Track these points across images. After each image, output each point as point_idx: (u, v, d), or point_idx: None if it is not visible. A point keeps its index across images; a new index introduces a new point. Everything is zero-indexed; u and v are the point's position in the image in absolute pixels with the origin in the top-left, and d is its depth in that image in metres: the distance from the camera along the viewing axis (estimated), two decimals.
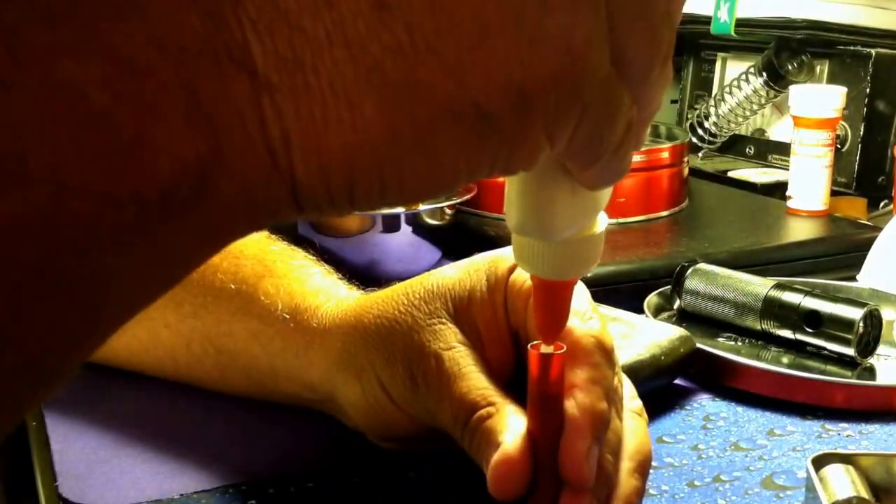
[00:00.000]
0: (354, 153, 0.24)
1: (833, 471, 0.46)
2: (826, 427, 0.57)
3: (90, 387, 0.58)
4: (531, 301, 0.42)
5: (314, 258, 0.57)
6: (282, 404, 0.55)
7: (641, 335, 0.60)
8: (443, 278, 0.48)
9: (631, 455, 0.43)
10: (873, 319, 0.65)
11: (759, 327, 0.68)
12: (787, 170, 1.01)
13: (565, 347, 0.40)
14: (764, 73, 1.17)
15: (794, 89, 1.00)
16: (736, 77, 1.22)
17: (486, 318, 0.46)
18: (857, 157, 1.11)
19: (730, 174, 1.18)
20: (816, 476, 0.45)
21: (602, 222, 0.36)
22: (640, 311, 0.69)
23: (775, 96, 1.18)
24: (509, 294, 0.46)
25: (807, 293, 0.67)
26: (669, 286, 0.73)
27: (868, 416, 0.58)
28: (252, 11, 0.23)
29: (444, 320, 0.46)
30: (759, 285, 0.69)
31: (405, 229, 0.83)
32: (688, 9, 1.21)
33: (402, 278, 0.50)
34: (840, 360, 0.65)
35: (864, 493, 0.45)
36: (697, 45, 1.33)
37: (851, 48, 1.12)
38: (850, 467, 0.46)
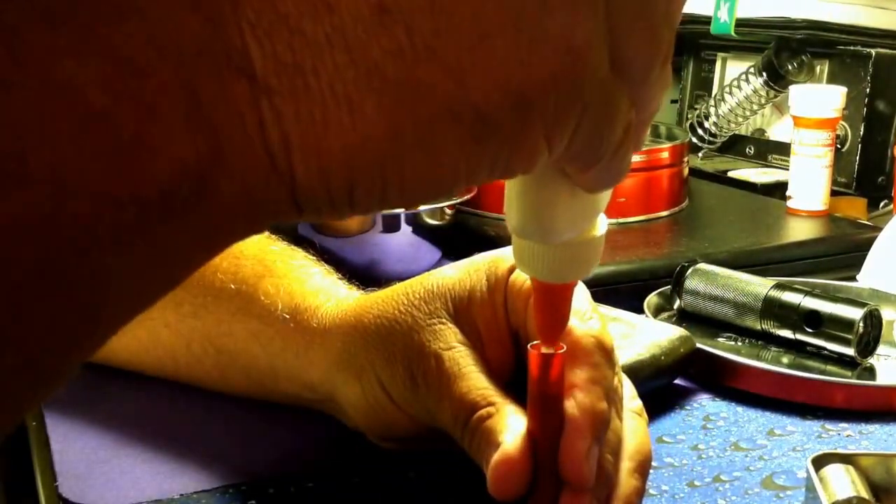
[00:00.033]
0: (354, 155, 0.24)
1: (833, 471, 0.46)
2: (826, 427, 0.57)
3: (90, 387, 0.58)
4: (531, 302, 0.42)
5: (314, 258, 0.57)
6: (282, 404, 0.55)
7: (641, 335, 0.60)
8: (443, 278, 0.48)
9: (631, 455, 0.43)
10: (873, 319, 0.65)
11: (759, 327, 0.68)
12: (787, 170, 1.01)
13: (565, 347, 0.40)
14: (764, 73, 1.17)
15: (794, 89, 1.00)
16: (736, 77, 1.22)
17: (486, 318, 0.46)
18: (857, 157, 1.11)
19: (730, 174, 1.18)
20: (816, 476, 0.45)
21: (602, 225, 0.36)
22: (640, 311, 0.69)
23: (775, 96, 1.18)
24: (509, 294, 0.46)
25: (807, 293, 0.67)
26: (669, 286, 0.73)
27: (868, 416, 0.58)
28: (251, 15, 0.23)
29: (444, 320, 0.46)
30: (759, 285, 0.69)
31: (405, 229, 0.83)
32: (688, 9, 1.21)
33: (402, 278, 0.50)
34: (840, 360, 0.65)
35: (864, 493, 0.45)
36: (697, 45, 1.33)
37: (851, 48, 1.12)
38: (850, 467, 0.46)
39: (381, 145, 0.25)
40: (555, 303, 0.39)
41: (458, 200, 0.82)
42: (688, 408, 0.60)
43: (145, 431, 0.54)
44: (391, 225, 0.80)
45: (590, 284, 0.46)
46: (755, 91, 1.18)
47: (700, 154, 1.25)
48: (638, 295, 0.73)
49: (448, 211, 0.83)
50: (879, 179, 1.11)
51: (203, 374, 0.57)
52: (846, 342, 0.64)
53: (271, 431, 0.54)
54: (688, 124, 1.26)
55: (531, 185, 0.33)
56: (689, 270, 0.72)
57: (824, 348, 0.66)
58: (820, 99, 0.97)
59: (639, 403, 0.46)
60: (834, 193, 1.02)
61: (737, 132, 1.25)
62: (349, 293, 0.53)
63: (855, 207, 1.07)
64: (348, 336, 0.49)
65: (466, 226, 0.88)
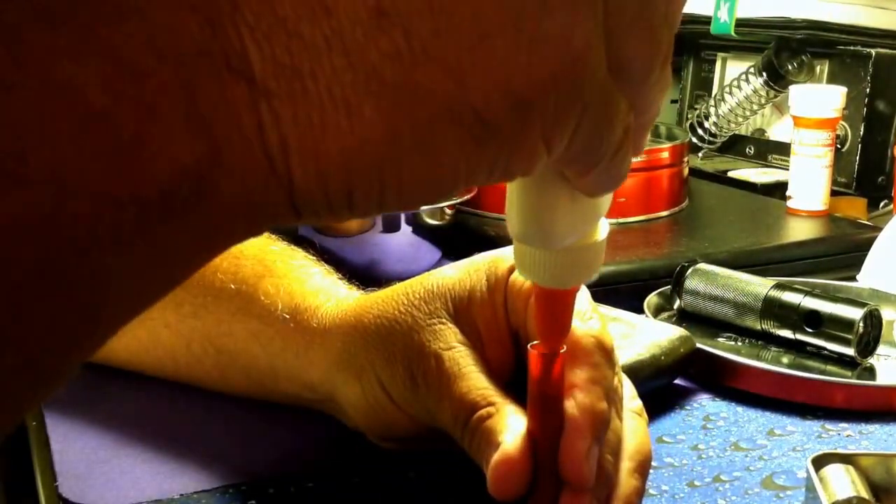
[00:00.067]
0: (353, 158, 0.24)
1: (833, 471, 0.46)
2: (826, 427, 0.57)
3: (90, 387, 0.58)
4: (531, 304, 0.42)
5: (314, 258, 0.57)
6: (282, 404, 0.55)
7: (641, 335, 0.60)
8: (443, 278, 0.48)
9: (631, 455, 0.43)
10: (873, 319, 0.65)
11: (759, 327, 0.68)
12: (787, 170, 1.01)
13: (565, 347, 0.40)
14: (764, 73, 1.17)
15: (794, 89, 1.00)
16: (736, 77, 1.22)
17: (486, 318, 0.46)
18: (857, 157, 1.11)
19: (730, 174, 1.18)
20: (816, 476, 0.45)
21: (603, 230, 0.36)
22: (640, 311, 0.69)
23: (775, 96, 1.18)
24: (509, 294, 0.46)
25: (807, 293, 0.67)
26: (669, 286, 0.73)
27: (868, 416, 0.58)
28: (250, 18, 0.23)
29: (444, 320, 0.46)
30: (759, 285, 0.69)
31: (405, 229, 0.83)
32: (688, 9, 1.21)
33: (402, 278, 0.50)
34: (840, 360, 0.65)
35: (864, 493, 0.45)
36: (697, 45, 1.33)
37: (851, 48, 1.12)
38: (850, 467, 0.46)
39: (379, 148, 0.25)
40: (556, 308, 0.39)
41: (458, 200, 0.82)
42: (688, 408, 0.60)
43: (145, 431, 0.54)
44: (391, 225, 0.80)
45: (590, 284, 0.46)
46: (755, 91, 1.18)
47: (700, 154, 1.25)
48: (638, 295, 0.73)
49: (448, 211, 0.83)
50: (879, 179, 1.11)
51: (203, 374, 0.57)
52: (846, 342, 0.64)
53: (271, 431, 0.54)
54: (688, 124, 1.26)
55: (532, 191, 0.33)
56: (689, 270, 0.72)
57: (824, 348, 0.66)
58: (820, 99, 0.97)
59: (639, 403, 0.46)
60: (834, 193, 1.02)
61: (737, 132, 1.25)
62: (349, 293, 0.53)
63: (855, 207, 1.07)
64: (348, 336, 0.49)
65: (466, 226, 0.88)
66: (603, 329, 0.44)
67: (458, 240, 0.84)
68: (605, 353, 0.43)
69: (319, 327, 0.51)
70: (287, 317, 0.52)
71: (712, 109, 1.24)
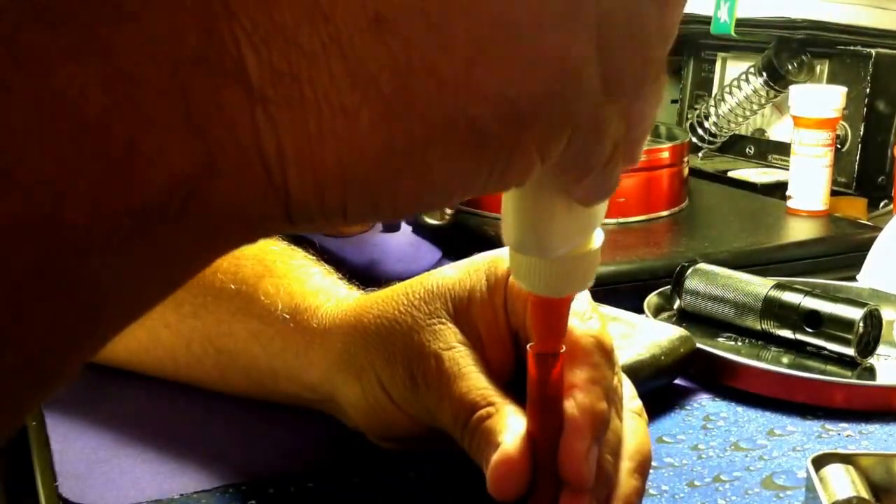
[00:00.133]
0: (349, 167, 0.24)
1: (833, 471, 0.46)
2: (826, 427, 0.57)
3: (90, 387, 0.58)
4: (528, 314, 0.42)
5: (314, 258, 0.57)
6: (282, 404, 0.55)
7: (641, 335, 0.60)
8: (443, 278, 0.48)
9: (631, 455, 0.43)
10: (873, 319, 0.65)
11: (759, 327, 0.68)
12: (787, 170, 1.01)
13: (564, 348, 0.40)
14: (764, 73, 1.17)
15: (794, 89, 1.00)
16: (736, 77, 1.22)
17: (486, 319, 0.46)
18: (857, 157, 1.11)
19: (730, 174, 1.18)
20: (816, 476, 0.45)
21: (598, 239, 0.36)
22: (640, 311, 0.69)
23: (775, 96, 1.18)
24: (509, 294, 0.46)
25: (807, 293, 0.67)
26: (669, 286, 0.73)
27: (868, 416, 0.58)
28: (247, 24, 0.23)
29: (443, 320, 0.46)
30: (759, 285, 0.69)
31: (405, 229, 0.84)
32: (688, 9, 1.21)
33: (402, 278, 0.50)
34: (840, 360, 0.65)
35: (864, 493, 0.45)
36: (697, 45, 1.33)
37: (851, 48, 1.12)
38: (850, 467, 0.46)
39: (375, 157, 0.25)
40: (551, 315, 0.39)
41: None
42: (688, 408, 0.60)
43: (145, 431, 0.54)
44: (391, 225, 0.80)
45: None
46: (755, 91, 1.18)
47: (700, 154, 1.25)
48: (638, 295, 0.73)
49: (448, 211, 0.83)
50: (879, 179, 1.11)
51: (203, 375, 0.57)
52: (846, 342, 0.64)
53: (271, 431, 0.54)
54: (688, 124, 1.26)
55: (527, 200, 0.33)
56: (689, 270, 0.72)
57: (824, 348, 0.66)
58: (820, 99, 0.97)
59: (639, 403, 0.46)
60: (834, 193, 1.02)
61: (737, 132, 1.25)
62: (349, 293, 0.53)
63: (855, 207, 1.07)
64: (348, 336, 0.49)
65: (466, 226, 0.87)
66: (603, 329, 0.44)
67: (458, 240, 0.84)
68: (605, 353, 0.43)
69: (319, 327, 0.51)
70: (287, 317, 0.52)
71: (712, 109, 1.24)
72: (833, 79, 1.14)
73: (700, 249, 0.84)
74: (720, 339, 0.69)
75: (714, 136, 1.25)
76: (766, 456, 0.53)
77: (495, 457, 0.41)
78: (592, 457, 0.40)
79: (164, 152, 0.22)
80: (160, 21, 0.22)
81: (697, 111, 1.27)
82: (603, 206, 0.35)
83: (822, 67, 1.16)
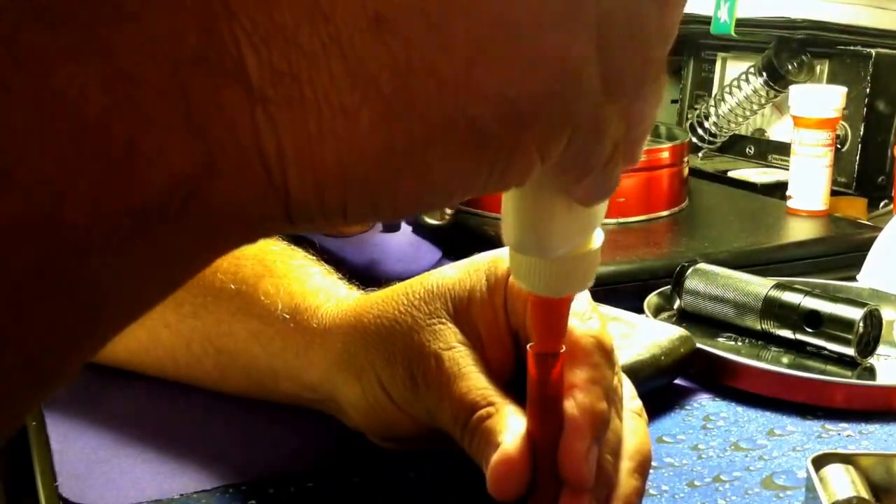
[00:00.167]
0: (349, 167, 0.24)
1: (833, 471, 0.46)
2: (826, 427, 0.57)
3: (90, 387, 0.58)
4: (528, 314, 0.42)
5: (314, 258, 0.57)
6: (282, 404, 0.55)
7: (641, 335, 0.60)
8: (443, 278, 0.48)
9: (631, 455, 0.43)
10: (873, 319, 0.65)
11: (759, 327, 0.68)
12: (787, 170, 1.01)
13: (564, 348, 0.40)
14: (764, 73, 1.17)
15: (794, 89, 1.00)
16: (736, 77, 1.22)
17: (486, 319, 0.46)
18: (857, 157, 1.11)
19: (730, 174, 1.18)
20: (816, 476, 0.45)
21: (598, 239, 0.36)
22: (640, 311, 0.69)
23: (775, 96, 1.18)
24: (509, 294, 0.46)
25: (807, 293, 0.67)
26: (669, 286, 0.73)
27: (868, 416, 0.58)
28: (247, 24, 0.23)
29: (444, 320, 0.46)
30: (759, 285, 0.69)
31: (405, 229, 0.84)
32: (688, 9, 1.21)
33: (402, 278, 0.50)
34: (840, 360, 0.65)
35: (864, 493, 0.45)
36: (697, 45, 1.33)
37: (851, 48, 1.12)
38: (850, 467, 0.46)
39: (375, 158, 0.25)
40: (551, 315, 0.39)
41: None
42: (688, 408, 0.60)
43: (145, 431, 0.54)
44: (391, 225, 0.80)
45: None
46: (755, 91, 1.18)
47: (700, 154, 1.25)
48: (638, 295, 0.73)
49: (448, 211, 0.83)
50: (879, 179, 1.11)
51: (203, 374, 0.57)
52: (846, 342, 0.64)
53: (271, 431, 0.54)
54: (688, 124, 1.26)
55: (527, 200, 0.33)
56: (689, 270, 0.72)
57: (824, 348, 0.66)
58: (820, 99, 0.97)
59: (639, 403, 0.46)
60: (834, 193, 1.02)
61: (737, 132, 1.25)
62: (349, 293, 0.53)
63: (855, 207, 1.07)
64: (348, 336, 0.49)
65: (466, 226, 0.87)
66: (602, 329, 0.44)
67: (458, 240, 0.84)
68: (605, 353, 0.43)
69: (319, 327, 0.51)
70: (287, 317, 0.52)
71: (712, 109, 1.24)
72: (833, 79, 1.14)
73: (700, 249, 0.84)
74: (720, 339, 0.69)
75: (714, 136, 1.25)
76: (766, 456, 0.53)
77: (495, 457, 0.41)
78: (592, 457, 0.40)
79: (164, 152, 0.22)
80: (160, 21, 0.22)
81: (697, 111, 1.27)
82: (603, 206, 0.35)
83: (822, 67, 1.16)
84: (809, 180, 0.97)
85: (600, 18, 0.26)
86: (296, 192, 0.24)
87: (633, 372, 0.53)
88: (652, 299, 0.73)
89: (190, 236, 0.24)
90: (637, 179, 0.93)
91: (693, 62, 1.35)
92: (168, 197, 0.22)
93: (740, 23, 1.19)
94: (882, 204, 1.09)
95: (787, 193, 0.99)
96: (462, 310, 0.47)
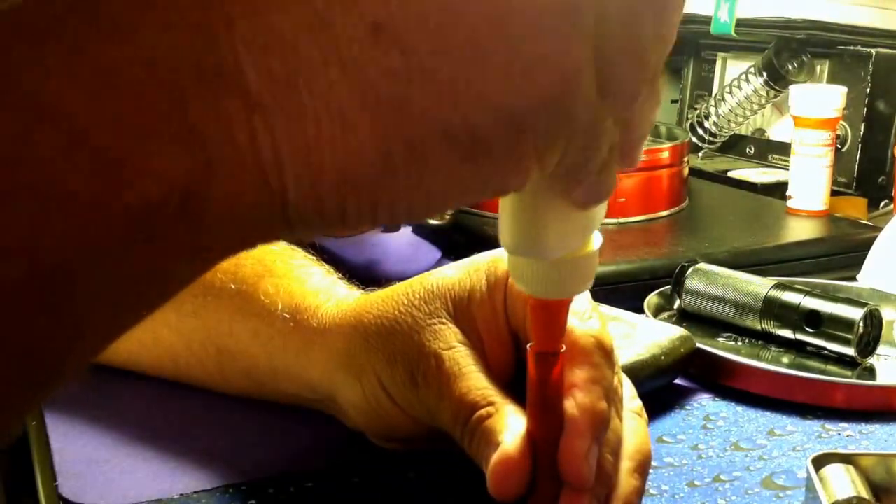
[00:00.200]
0: (347, 174, 0.24)
1: (833, 471, 0.46)
2: (826, 427, 0.57)
3: (90, 387, 0.57)
4: (528, 316, 0.42)
5: (314, 258, 0.57)
6: (282, 404, 0.55)
7: (641, 335, 0.60)
8: (443, 278, 0.48)
9: (631, 455, 0.43)
10: (873, 319, 0.65)
11: (759, 327, 0.68)
12: (787, 170, 1.01)
13: (564, 347, 0.40)
14: (764, 73, 1.17)
15: (794, 89, 1.00)
16: (736, 77, 1.22)
17: (486, 319, 0.46)
18: (857, 157, 1.11)
19: (730, 174, 1.18)
20: (816, 476, 0.45)
21: (596, 241, 0.36)
22: (640, 311, 0.69)
23: (775, 96, 1.18)
24: (509, 295, 0.46)
25: (807, 293, 0.67)
26: (669, 286, 0.73)
27: (868, 416, 0.58)
28: (245, 32, 0.23)
29: (444, 320, 0.46)
30: (759, 285, 0.69)
31: (405, 229, 0.84)
32: (688, 9, 1.21)
33: (402, 278, 0.50)
34: (840, 360, 0.65)
35: (864, 493, 0.45)
36: (697, 45, 1.33)
37: (851, 48, 1.12)
38: (850, 467, 0.46)
39: (374, 164, 0.25)
40: (551, 317, 0.39)
41: None
42: (688, 408, 0.60)
43: (145, 431, 0.54)
44: (391, 225, 0.80)
45: None
46: (755, 91, 1.18)
47: (700, 154, 1.25)
48: (638, 295, 0.73)
49: (448, 211, 0.83)
50: (879, 179, 1.11)
51: (203, 374, 0.57)
52: (846, 342, 0.64)
53: (271, 431, 0.54)
54: (688, 124, 1.26)
55: (524, 203, 0.33)
56: (689, 270, 0.72)
57: (824, 348, 0.66)
58: (820, 99, 0.97)
59: (639, 403, 0.46)
60: (834, 193, 1.02)
61: (737, 132, 1.25)
62: (349, 293, 0.53)
63: (855, 207, 1.07)
64: (348, 336, 0.49)
65: (466, 226, 0.87)
66: (602, 329, 0.44)
67: (458, 240, 0.84)
68: (605, 352, 0.43)
69: (319, 327, 0.51)
70: (287, 316, 0.52)
71: (712, 109, 1.24)
72: (833, 79, 1.14)
73: (700, 249, 0.84)
74: (720, 339, 0.69)
75: (714, 136, 1.25)
76: (766, 456, 0.53)
77: (495, 457, 0.41)
78: (592, 457, 0.40)
79: (156, 161, 0.22)
80: (157, 30, 0.22)
81: (697, 111, 1.27)
82: (601, 209, 0.35)
83: (822, 67, 1.16)
84: (809, 180, 0.97)
85: (597, 26, 0.26)
86: (294, 198, 0.24)
87: (633, 372, 0.53)
88: (652, 299, 0.73)
89: (185, 243, 0.24)
90: (637, 179, 0.93)
91: (693, 62, 1.35)
92: (163, 205, 0.22)
93: (740, 23, 1.19)
94: (882, 204, 1.09)
95: (788, 193, 0.99)
96: (462, 310, 0.47)
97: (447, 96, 0.25)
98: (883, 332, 0.66)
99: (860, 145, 1.11)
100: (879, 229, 0.84)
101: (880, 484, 0.46)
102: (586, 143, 0.28)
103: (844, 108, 1.00)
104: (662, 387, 0.60)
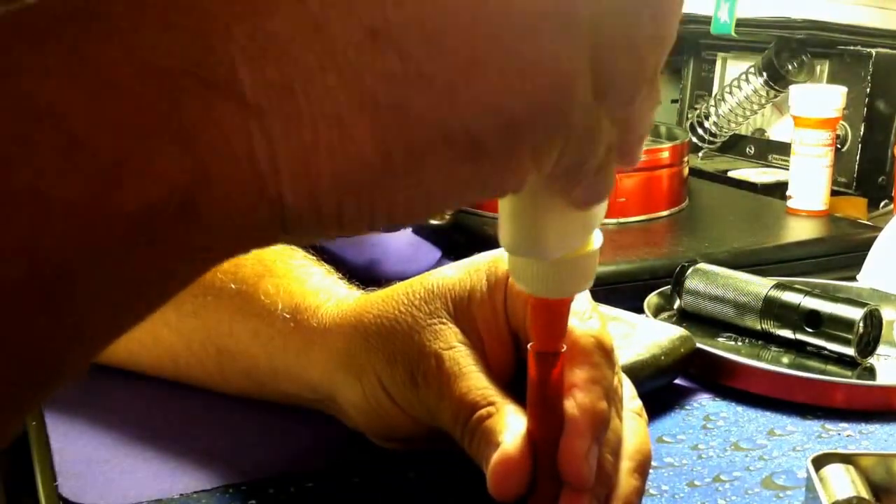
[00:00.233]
0: (344, 178, 0.24)
1: (833, 471, 0.46)
2: (826, 427, 0.57)
3: (90, 387, 0.57)
4: (528, 315, 0.42)
5: (314, 258, 0.57)
6: (282, 404, 0.55)
7: (641, 335, 0.60)
8: (443, 278, 0.48)
9: (631, 455, 0.43)
10: (873, 319, 0.65)
11: (759, 327, 0.68)
12: (787, 170, 1.01)
13: (565, 347, 0.40)
14: (764, 73, 1.17)
15: (794, 89, 1.00)
16: (736, 77, 1.22)
17: (486, 318, 0.46)
18: (857, 157, 1.11)
19: (730, 174, 1.18)
20: (816, 476, 0.45)
21: (597, 240, 0.36)
22: (640, 311, 0.69)
23: (775, 96, 1.18)
24: (509, 295, 0.46)
25: (807, 293, 0.67)
26: (669, 286, 0.73)
27: (868, 416, 0.58)
28: (241, 37, 0.23)
29: (444, 320, 0.46)
30: (759, 285, 0.69)
31: (405, 229, 0.83)
32: (688, 9, 1.22)
33: (402, 278, 0.50)
34: (840, 360, 0.65)
35: (864, 493, 0.45)
36: (697, 45, 1.33)
37: (851, 48, 1.12)
38: (850, 467, 0.46)
39: (371, 169, 0.25)
40: (551, 317, 0.39)
41: None
42: (688, 408, 0.60)
43: (145, 431, 0.54)
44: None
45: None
46: (755, 91, 1.18)
47: (700, 154, 1.25)
48: (638, 295, 0.73)
49: (446, 212, 0.83)
50: (879, 179, 1.11)
51: (203, 374, 0.57)
52: (846, 342, 0.64)
53: (271, 431, 0.54)
54: (688, 124, 1.26)
55: (523, 204, 0.33)
56: (689, 270, 0.72)
57: (824, 348, 0.66)
58: (820, 99, 0.97)
59: (639, 403, 0.46)
60: (834, 193, 1.02)
61: (737, 132, 1.25)
62: (349, 293, 0.53)
63: (855, 207, 1.07)
64: (349, 336, 0.49)
65: (466, 226, 0.87)
66: (602, 329, 0.44)
67: (458, 240, 0.84)
68: (605, 352, 0.43)
69: (320, 327, 0.51)
70: (287, 316, 0.52)
71: (712, 109, 1.24)
72: (833, 79, 1.14)
73: (700, 249, 0.84)
74: (720, 339, 0.69)
75: (714, 136, 1.25)
76: (766, 456, 0.53)
77: (495, 457, 0.41)
78: (592, 456, 0.40)
79: (153, 165, 0.22)
80: (152, 35, 0.22)
81: (697, 111, 1.27)
82: (601, 208, 0.35)
83: (822, 67, 1.16)
84: (809, 180, 0.97)
85: (593, 27, 0.26)
86: (290, 202, 0.24)
87: (633, 372, 0.53)
88: (652, 299, 0.73)
89: (181, 247, 0.24)
90: (637, 179, 0.93)
91: (693, 62, 1.35)
92: (164, 207, 0.22)
93: (740, 23, 1.19)
94: (882, 204, 1.09)
95: (788, 193, 0.99)
96: (462, 310, 0.47)
97: (444, 100, 0.25)
98: (883, 332, 0.66)
99: (860, 145, 1.11)
100: (879, 229, 0.84)
101: (880, 484, 0.46)
102: (583, 143, 0.28)
103: (844, 108, 1.00)
104: (662, 387, 0.60)
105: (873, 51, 1.10)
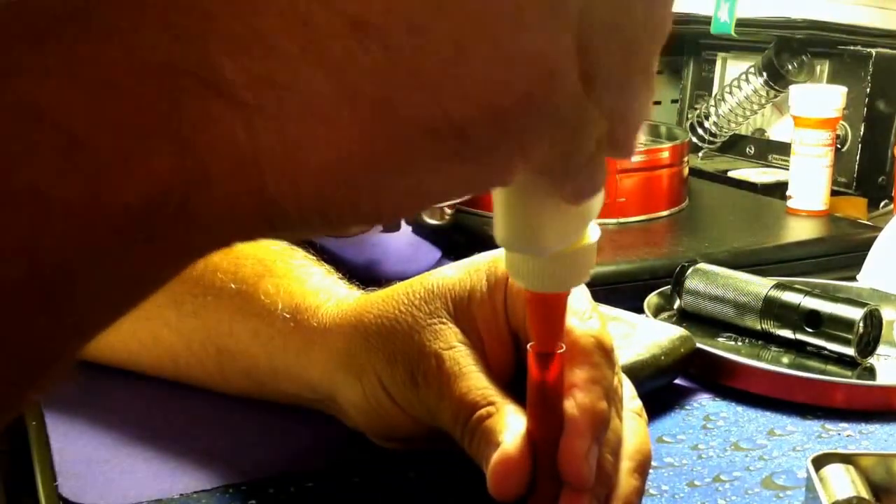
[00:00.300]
0: (330, 173, 0.24)
1: (833, 471, 0.46)
2: (826, 427, 0.57)
3: (90, 387, 0.58)
4: (527, 312, 0.42)
5: (314, 258, 0.57)
6: (282, 404, 0.55)
7: (641, 335, 0.60)
8: (443, 278, 0.48)
9: (631, 455, 0.43)
10: (873, 319, 0.65)
11: (759, 327, 0.68)
12: (788, 170, 1.01)
13: (564, 347, 0.40)
14: (764, 73, 1.17)
15: (794, 89, 1.00)
16: (736, 77, 1.22)
17: (487, 318, 0.46)
18: (857, 157, 1.11)
19: (730, 174, 1.18)
20: (816, 476, 0.45)
21: (593, 234, 0.36)
22: (640, 311, 0.69)
23: (775, 96, 1.18)
24: (509, 294, 0.46)
25: (807, 293, 0.67)
26: (669, 286, 0.73)
27: (868, 416, 0.58)
28: (225, 32, 0.23)
29: (444, 320, 0.46)
30: (759, 285, 0.69)
31: (405, 229, 0.84)
32: (688, 9, 1.22)
33: (402, 278, 0.50)
34: (840, 360, 0.65)
35: (864, 493, 0.45)
36: (697, 45, 1.33)
37: (851, 48, 1.12)
38: (850, 467, 0.46)
39: (357, 163, 0.25)
40: (549, 312, 0.39)
41: (458, 200, 0.82)
42: (688, 408, 0.60)
43: (145, 431, 0.54)
44: (391, 225, 0.80)
45: (590, 284, 0.46)
46: (755, 91, 1.18)
47: (700, 154, 1.25)
48: (638, 295, 0.73)
49: (448, 211, 0.83)
50: (879, 179, 1.11)
51: (203, 374, 0.57)
52: (846, 342, 0.64)
53: (271, 431, 0.54)
54: (688, 124, 1.26)
55: (516, 199, 0.33)
56: (689, 270, 0.72)
57: (824, 348, 0.66)
58: (820, 99, 0.97)
59: (639, 403, 0.46)
60: (834, 193, 1.02)
61: (737, 132, 1.25)
62: (349, 293, 0.53)
63: (855, 207, 1.07)
64: (349, 336, 0.49)
65: (466, 226, 0.87)
66: (602, 329, 0.44)
67: (458, 240, 0.84)
68: (605, 352, 0.43)
69: (320, 327, 0.51)
70: (287, 316, 0.52)
71: (712, 109, 1.24)
72: (833, 79, 1.14)
73: (700, 249, 0.84)
74: (720, 339, 0.69)
75: (714, 136, 1.25)
76: (766, 456, 0.53)
77: (495, 456, 0.41)
78: (592, 456, 0.40)
79: (148, 164, 0.22)
80: (142, 34, 0.22)
81: (697, 111, 1.27)
82: (597, 202, 0.34)
83: (822, 67, 1.16)
84: (809, 180, 0.97)
85: (582, 18, 0.26)
86: (276, 197, 0.24)
87: (633, 372, 0.53)
88: (652, 299, 0.73)
89: (171, 244, 0.24)
90: (637, 179, 0.93)
91: (693, 62, 1.35)
92: (163, 205, 0.22)
93: (740, 23, 1.19)
94: (882, 204, 1.09)
95: (788, 193, 0.99)
96: (462, 309, 0.47)
97: (430, 92, 0.25)
98: (883, 332, 0.66)
99: (860, 145, 1.10)
100: (879, 229, 0.84)
101: (880, 484, 0.46)
102: (572, 136, 0.28)
103: (844, 108, 1.00)
104: (662, 387, 0.60)
105: (873, 51, 1.10)
